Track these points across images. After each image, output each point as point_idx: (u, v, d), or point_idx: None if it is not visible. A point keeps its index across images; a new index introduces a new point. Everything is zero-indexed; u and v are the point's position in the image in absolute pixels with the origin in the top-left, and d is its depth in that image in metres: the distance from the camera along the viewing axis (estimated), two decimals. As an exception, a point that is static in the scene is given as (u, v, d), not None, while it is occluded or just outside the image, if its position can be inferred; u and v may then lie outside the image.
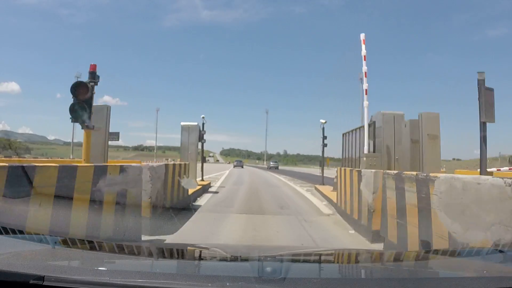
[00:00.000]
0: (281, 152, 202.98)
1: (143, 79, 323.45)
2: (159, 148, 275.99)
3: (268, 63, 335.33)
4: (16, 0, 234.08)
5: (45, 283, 1.30)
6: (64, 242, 2.21)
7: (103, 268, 1.59)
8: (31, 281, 1.30)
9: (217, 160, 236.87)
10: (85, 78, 6.55)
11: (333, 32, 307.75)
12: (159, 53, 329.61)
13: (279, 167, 62.84)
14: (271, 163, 69.15)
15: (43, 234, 2.24)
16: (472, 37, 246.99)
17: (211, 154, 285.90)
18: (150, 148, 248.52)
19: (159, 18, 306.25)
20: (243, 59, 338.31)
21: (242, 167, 57.11)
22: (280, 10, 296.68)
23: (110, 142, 9.19)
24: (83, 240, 2.47)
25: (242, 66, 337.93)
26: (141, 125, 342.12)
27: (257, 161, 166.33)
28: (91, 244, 2.22)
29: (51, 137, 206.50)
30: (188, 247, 2.63)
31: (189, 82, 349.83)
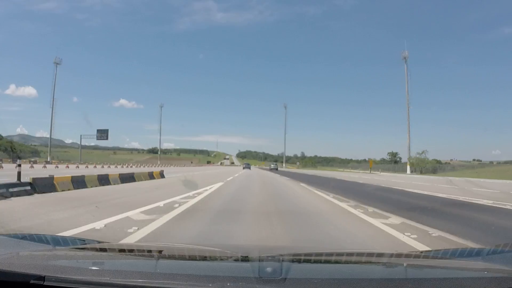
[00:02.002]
0: (298, 154, 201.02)
1: (158, 83, 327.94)
2: (175, 150, 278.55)
3: (286, 64, 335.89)
4: (32, 5, 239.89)
5: (46, 283, 1.31)
6: (64, 242, 2.22)
7: (103, 268, 1.59)
8: (32, 281, 1.31)
9: (232, 163, 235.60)
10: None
11: (349, 35, 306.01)
12: (174, 57, 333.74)
13: (301, 172, 61.97)
14: (271, 165, 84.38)
15: (43, 234, 2.26)
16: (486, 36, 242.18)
17: (227, 157, 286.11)
18: (164, 151, 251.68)
19: (174, 21, 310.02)
20: (260, 61, 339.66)
21: (250, 168, 69.66)
22: (294, 11, 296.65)
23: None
24: (84, 239, 2.50)
25: (258, 68, 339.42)
26: (157, 127, 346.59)
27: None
28: (91, 244, 2.24)
29: (68, 141, 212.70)
30: (188, 247, 2.63)
31: (206, 86, 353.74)
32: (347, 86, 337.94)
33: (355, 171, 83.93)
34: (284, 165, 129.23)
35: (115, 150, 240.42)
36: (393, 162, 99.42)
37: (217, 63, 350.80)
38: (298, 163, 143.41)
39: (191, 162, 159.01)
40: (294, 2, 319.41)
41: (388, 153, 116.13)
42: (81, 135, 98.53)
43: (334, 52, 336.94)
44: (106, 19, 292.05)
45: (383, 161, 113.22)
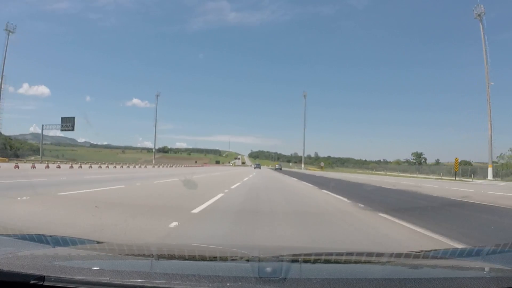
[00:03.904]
0: (312, 155, 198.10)
1: (171, 83, 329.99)
2: (186, 150, 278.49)
3: (298, 65, 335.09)
4: (46, 5, 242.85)
5: (46, 283, 1.32)
6: (64, 242, 2.23)
7: (103, 268, 1.59)
8: (31, 281, 1.32)
9: (244, 163, 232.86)
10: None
11: (360, 35, 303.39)
12: (186, 57, 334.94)
13: (324, 174, 48.13)
14: (276, 165, 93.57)
15: (43, 234, 2.28)
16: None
17: (238, 157, 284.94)
18: (175, 150, 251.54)
19: (187, 21, 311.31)
20: (271, 62, 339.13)
21: (260, 168, 79.13)
22: (307, 11, 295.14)
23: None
24: (83, 240, 2.52)
25: (271, 69, 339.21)
26: (170, 127, 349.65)
27: (290, 164, 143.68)
28: (91, 244, 2.26)
29: (81, 140, 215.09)
30: (188, 247, 2.65)
31: (218, 87, 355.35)
32: (353, 87, 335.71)
33: (406, 175, 58.41)
34: (303, 166, 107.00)
35: (126, 149, 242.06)
36: (418, 164, 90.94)
37: (229, 64, 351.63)
38: (322, 163, 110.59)
39: (195, 162, 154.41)
40: (307, 1, 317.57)
41: (413, 153, 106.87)
42: (42, 125, 76.66)
43: (345, 53, 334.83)
44: (120, 21, 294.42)
45: (407, 162, 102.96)
